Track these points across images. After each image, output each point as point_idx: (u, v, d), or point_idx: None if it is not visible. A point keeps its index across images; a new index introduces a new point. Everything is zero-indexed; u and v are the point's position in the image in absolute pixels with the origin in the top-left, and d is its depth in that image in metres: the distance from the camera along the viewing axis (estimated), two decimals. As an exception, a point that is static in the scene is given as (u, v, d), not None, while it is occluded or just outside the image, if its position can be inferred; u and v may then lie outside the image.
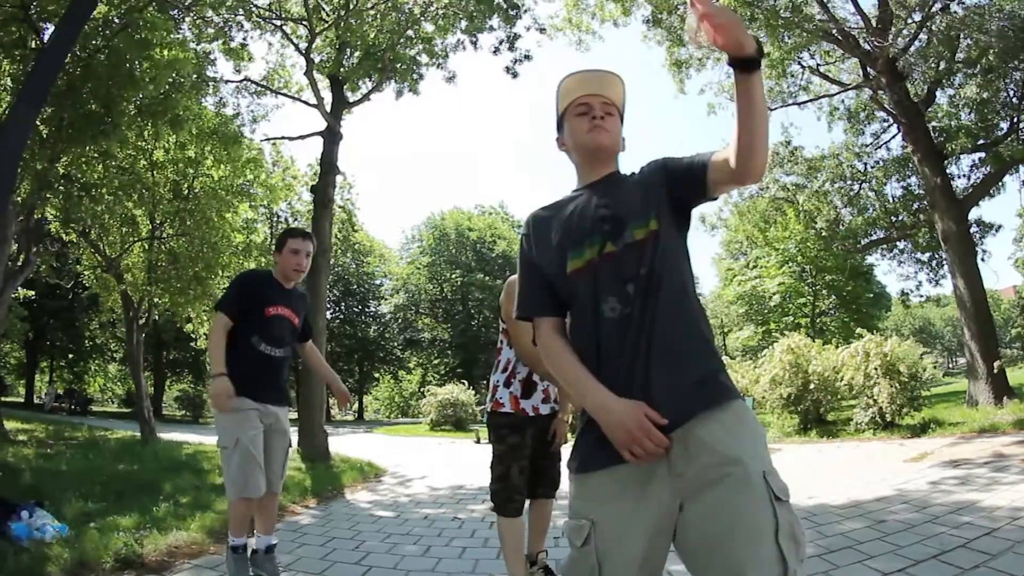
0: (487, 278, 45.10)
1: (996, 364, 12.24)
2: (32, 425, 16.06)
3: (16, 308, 15.24)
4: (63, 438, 13.25)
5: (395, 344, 48.46)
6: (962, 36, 13.11)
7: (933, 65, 13.74)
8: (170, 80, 8.81)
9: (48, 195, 8.86)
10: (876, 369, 11.02)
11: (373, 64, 12.72)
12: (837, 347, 12.90)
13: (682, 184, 1.75)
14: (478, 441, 17.62)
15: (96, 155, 9.25)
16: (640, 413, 1.52)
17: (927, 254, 19.12)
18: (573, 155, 1.98)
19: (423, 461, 12.40)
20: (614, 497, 1.61)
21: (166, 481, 7.11)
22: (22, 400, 37.42)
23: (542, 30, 15.04)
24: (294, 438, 4.47)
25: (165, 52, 8.58)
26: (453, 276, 46.34)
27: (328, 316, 43.49)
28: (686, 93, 17.84)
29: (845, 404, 12.86)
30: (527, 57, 14.49)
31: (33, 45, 8.13)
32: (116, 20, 8.57)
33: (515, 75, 14.58)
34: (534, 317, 1.86)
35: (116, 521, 4.72)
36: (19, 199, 8.40)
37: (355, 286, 46.13)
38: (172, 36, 8.91)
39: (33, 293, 15.21)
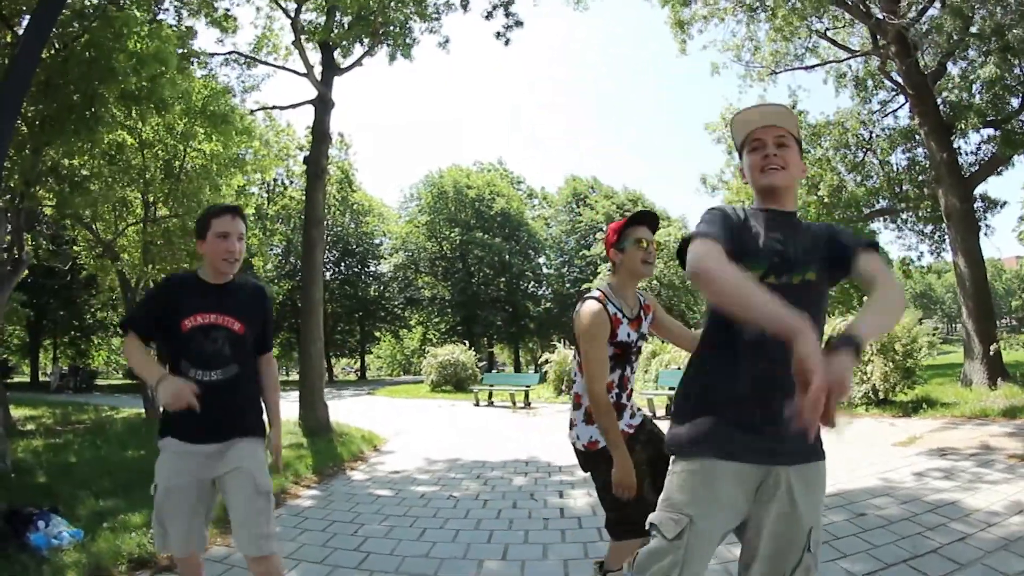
0: (486, 236, 45.06)
1: (992, 347, 12.29)
2: (39, 410, 16.32)
3: (15, 293, 15.35)
4: (70, 423, 13.48)
5: (395, 303, 48.74)
6: (976, 8, 12.68)
7: (945, 37, 13.40)
8: (152, 71, 8.66)
9: (36, 190, 8.87)
10: (870, 345, 10.88)
11: (364, 28, 12.33)
12: (834, 315, 12.71)
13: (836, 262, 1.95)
14: (477, 404, 17.93)
15: (81, 146, 9.09)
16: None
17: (930, 227, 18.99)
18: (753, 187, 2.10)
19: (423, 428, 12.64)
20: (719, 499, 1.84)
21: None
22: (28, 380, 38.08)
23: None
24: (294, 411, 3.72)
25: (141, 45, 8.41)
26: (452, 234, 46.28)
27: (328, 276, 43.81)
28: (687, 54, 17.47)
29: None
30: (518, 23, 14.16)
31: (8, 40, 7.99)
32: (90, 9, 8.42)
33: (507, 41, 14.25)
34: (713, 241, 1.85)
35: (128, 519, 4.90)
36: (6, 197, 8.46)
37: (354, 246, 46.07)
38: (148, 28, 8.72)
39: (28, 274, 15.26)
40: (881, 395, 10.97)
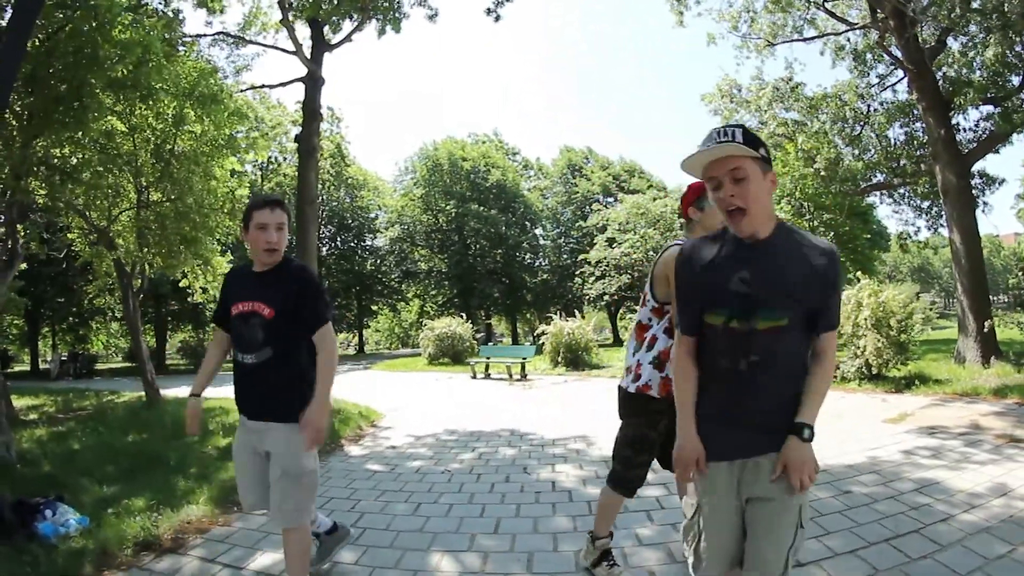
0: (482, 208, 44.91)
1: (987, 323, 12.34)
2: (41, 399, 16.42)
3: (12, 282, 15.39)
4: (72, 410, 13.58)
5: (392, 277, 48.80)
6: None
7: (945, 12, 13.14)
8: (138, 58, 8.61)
9: (27, 183, 8.88)
10: (866, 319, 10.97)
11: (353, 3, 12.31)
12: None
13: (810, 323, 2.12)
14: (474, 376, 18.08)
15: (71, 136, 9.08)
16: (693, 459, 2.19)
17: (927, 202, 18.94)
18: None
19: (419, 402, 12.77)
20: (718, 488, 2.18)
21: (172, 450, 7.49)
22: (28, 368, 38.25)
23: None
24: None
25: (125, 33, 8.36)
26: (448, 207, 46.07)
27: (324, 252, 43.92)
28: (685, 26, 17.32)
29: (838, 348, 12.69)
30: (509, -1, 14.05)
31: None
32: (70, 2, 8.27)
33: (497, 18, 14.09)
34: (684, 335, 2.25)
35: (131, 504, 5.06)
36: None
37: (350, 220, 46.01)
38: (130, 16, 8.66)
39: (24, 263, 15.28)
40: (874, 370, 11.00)
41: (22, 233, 11.15)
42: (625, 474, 3.42)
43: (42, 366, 36.80)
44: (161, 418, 10.62)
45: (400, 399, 13.36)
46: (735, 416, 2.12)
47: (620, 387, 3.41)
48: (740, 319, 2.03)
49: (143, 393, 13.80)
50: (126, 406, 13.47)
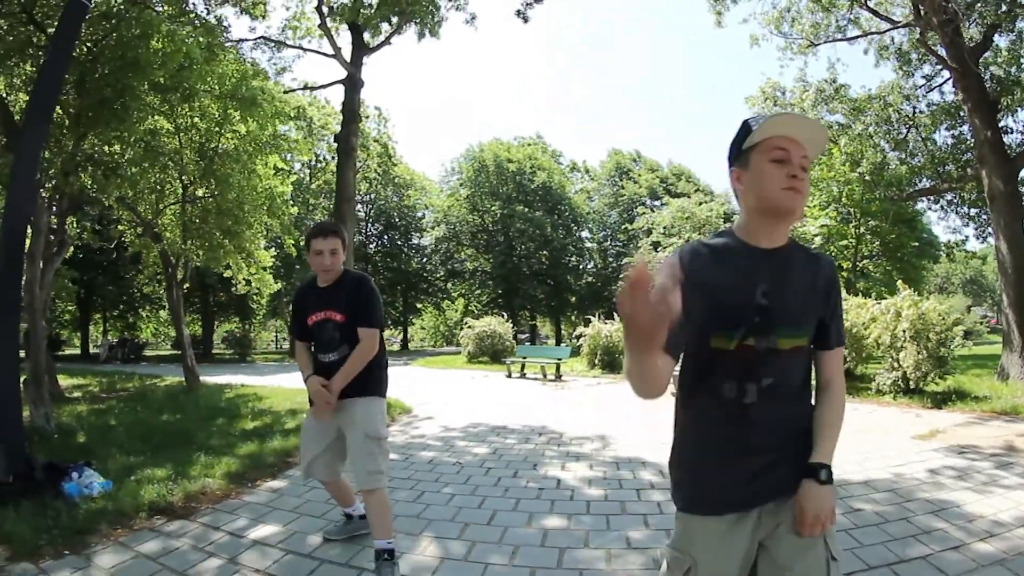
0: (527, 209, 45.15)
1: None
2: (87, 379, 17.28)
3: (64, 271, 16.10)
4: (115, 391, 14.31)
5: (437, 275, 49.43)
6: None
7: (992, 8, 12.60)
8: (180, 63, 9.04)
9: (76, 178, 9.37)
10: (904, 331, 10.48)
11: (391, 7, 12.62)
12: (878, 298, 12.12)
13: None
14: (509, 375, 18.26)
15: (116, 135, 9.57)
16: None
17: (974, 209, 18.11)
18: (749, 200, 1.79)
19: (450, 398, 12.88)
20: (716, 544, 1.78)
21: (201, 430, 7.99)
22: (78, 352, 39.94)
23: None
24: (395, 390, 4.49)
25: (164, 43, 8.80)
26: (493, 207, 46.51)
27: (371, 249, 44.78)
28: (723, 26, 16.91)
29: (874, 361, 12.19)
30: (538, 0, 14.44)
31: (41, 42, 8.47)
32: (117, 9, 8.82)
33: (526, 20, 14.37)
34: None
35: (152, 473, 5.51)
36: (50, 185, 9.00)
37: (397, 219, 46.82)
38: (168, 27, 9.08)
39: (77, 250, 15.89)
40: (911, 384, 10.50)
41: (72, 224, 11.73)
42: None
43: (92, 350, 38.28)
44: (197, 402, 11.19)
45: (432, 394, 13.54)
46: (742, 457, 1.77)
47: None
48: (757, 336, 1.71)
49: (183, 379, 14.38)
50: (166, 389, 14.13)
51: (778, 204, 1.71)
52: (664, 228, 38.15)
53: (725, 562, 1.78)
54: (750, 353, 1.71)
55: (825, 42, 16.48)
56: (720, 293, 1.71)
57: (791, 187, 1.68)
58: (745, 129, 1.78)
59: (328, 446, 3.78)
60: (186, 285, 14.94)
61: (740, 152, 1.80)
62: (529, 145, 51.05)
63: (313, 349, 3.78)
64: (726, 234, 1.85)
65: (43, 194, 8.75)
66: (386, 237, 47.45)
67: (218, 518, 4.64)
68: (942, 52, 13.59)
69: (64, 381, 15.09)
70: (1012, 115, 14.56)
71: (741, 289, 1.73)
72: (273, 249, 17.32)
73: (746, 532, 1.78)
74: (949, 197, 18.14)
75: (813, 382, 1.93)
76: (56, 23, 6.97)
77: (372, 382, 3.71)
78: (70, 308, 36.96)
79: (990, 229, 16.43)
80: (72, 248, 14.04)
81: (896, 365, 10.67)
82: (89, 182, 10.14)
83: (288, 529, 4.39)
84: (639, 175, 49.72)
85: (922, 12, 13.12)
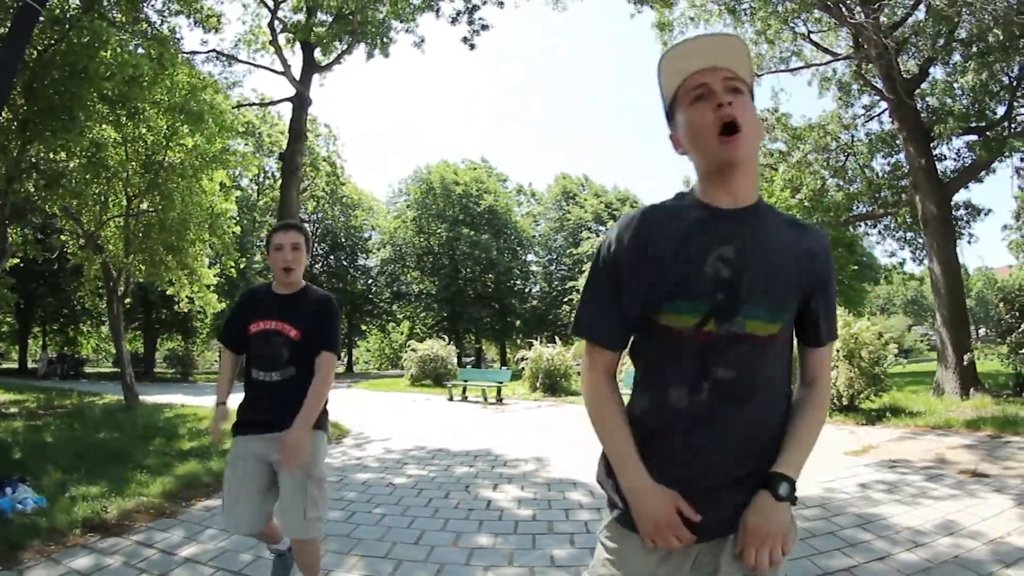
0: (473, 232, 45.28)
1: (966, 356, 12.16)
2: (24, 395, 16.68)
3: (3, 279, 15.69)
4: (52, 408, 13.79)
5: (383, 297, 49.03)
6: (962, 13, 12.29)
7: (929, 42, 13.26)
8: (128, 75, 8.86)
9: (19, 186, 9.27)
10: (837, 351, 10.66)
11: (344, 27, 12.69)
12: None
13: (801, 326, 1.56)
14: (451, 399, 18.27)
15: (62, 143, 9.37)
16: (672, 508, 1.41)
17: (910, 233, 18.82)
18: (694, 160, 1.50)
19: (390, 421, 12.83)
20: (651, 566, 1.49)
21: (138, 449, 7.89)
22: (16, 366, 38.52)
23: (500, 3, 15.02)
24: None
25: (113, 55, 8.70)
26: (439, 230, 46.46)
27: (316, 269, 44.24)
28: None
29: None
30: (484, 27, 14.63)
31: None
32: (66, 16, 8.67)
33: (472, 46, 14.74)
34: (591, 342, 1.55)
35: (87, 490, 5.48)
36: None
37: (343, 239, 46.43)
38: (117, 38, 9.08)
39: (19, 260, 15.56)
40: (845, 401, 10.81)
41: (14, 232, 11.51)
42: None
43: (31, 365, 37.03)
44: (135, 420, 10.88)
45: (372, 417, 13.48)
46: (695, 474, 1.45)
47: None
48: (718, 319, 1.40)
49: (123, 397, 14.12)
50: (105, 407, 13.68)
51: (717, 157, 1.42)
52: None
53: None
54: (708, 341, 1.41)
55: (769, 72, 17.08)
56: (671, 260, 1.41)
57: (723, 116, 1.38)
58: (659, 79, 1.52)
59: (260, 491, 3.14)
60: (127, 300, 14.60)
61: (667, 112, 1.55)
62: (476, 168, 51.31)
63: (246, 364, 3.21)
64: (684, 194, 1.55)
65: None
66: (332, 257, 46.94)
67: (151, 536, 4.63)
68: (879, 84, 14.24)
69: (1, 396, 14.68)
70: (947, 143, 15.18)
71: (697, 258, 1.41)
72: (217, 267, 17.12)
73: (681, 569, 1.50)
74: (886, 222, 18.94)
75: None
76: (8, 24, 6.93)
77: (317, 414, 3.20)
78: (8, 320, 35.79)
79: (925, 252, 17.27)
80: (13, 258, 13.75)
81: (830, 384, 10.84)
82: (33, 190, 10.00)
83: (220, 547, 4.38)
84: (585, 200, 50.60)
85: (862, 45, 13.69)
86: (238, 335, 3.24)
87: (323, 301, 3.25)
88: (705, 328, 1.39)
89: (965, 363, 12.21)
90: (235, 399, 3.18)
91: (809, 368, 1.59)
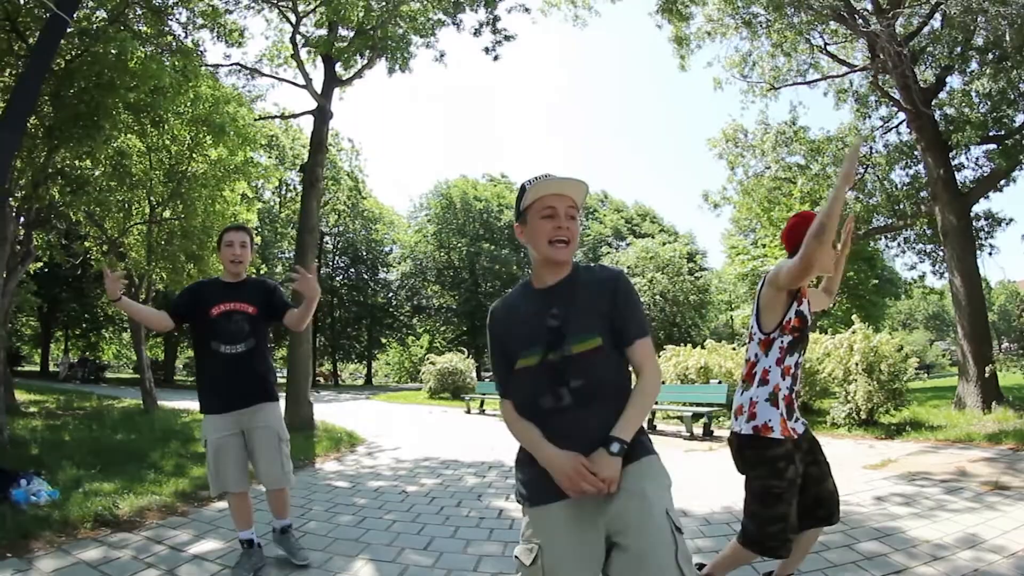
0: (494, 247, 45.53)
1: (988, 369, 11.89)
2: (44, 396, 17.05)
3: (27, 283, 15.94)
4: (71, 409, 14.06)
5: (403, 311, 49.30)
6: (978, 21, 12.07)
7: (945, 51, 13.09)
8: (152, 86, 9.06)
9: (44, 191, 9.44)
10: (856, 364, 10.64)
11: (364, 42, 12.80)
12: (833, 334, 12.28)
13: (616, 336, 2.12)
14: (468, 411, 18.26)
15: (87, 151, 9.60)
16: (578, 463, 1.95)
17: (930, 246, 18.40)
18: (532, 251, 2.19)
19: (406, 431, 12.88)
20: (559, 526, 2.02)
21: (154, 451, 8.00)
22: (38, 369, 39.13)
23: (527, 10, 15.02)
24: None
25: (138, 67, 8.84)
26: (460, 244, 46.79)
27: (337, 282, 44.62)
28: (687, 70, 17.48)
29: (831, 396, 12.15)
30: (508, 38, 14.65)
31: (22, 51, 8.59)
32: (94, 28, 8.94)
33: (496, 57, 14.79)
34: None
35: (100, 486, 5.61)
36: (19, 195, 9.07)
37: (364, 252, 46.77)
38: (144, 52, 9.20)
39: (42, 264, 15.75)
40: (863, 415, 10.65)
41: (39, 237, 11.71)
42: (758, 532, 2.95)
43: (52, 368, 37.52)
44: (152, 423, 11.05)
45: (389, 427, 13.55)
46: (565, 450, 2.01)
47: (732, 432, 3.08)
48: (555, 350, 2.06)
49: (141, 401, 14.26)
50: (123, 410, 13.91)
51: (549, 256, 2.13)
52: (628, 268, 38.76)
53: (566, 544, 2.00)
54: (553, 365, 2.05)
55: (786, 85, 16.92)
56: (517, 330, 2.15)
57: (558, 238, 2.10)
58: (522, 191, 2.17)
59: (239, 457, 3.90)
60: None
61: (520, 212, 2.20)
62: (496, 184, 51.61)
63: (213, 343, 3.82)
64: (523, 284, 2.28)
65: (12, 203, 8.78)
66: (352, 270, 47.37)
67: (161, 533, 4.70)
68: (896, 95, 14.06)
69: (21, 396, 14.86)
70: (966, 153, 14.94)
71: (533, 322, 2.11)
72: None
73: (585, 517, 2.00)
74: (906, 234, 18.58)
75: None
76: (38, 34, 7.08)
77: (273, 386, 4.03)
78: (32, 323, 36.33)
79: (945, 264, 16.78)
80: (38, 262, 13.96)
81: (848, 398, 10.81)
82: (58, 195, 10.17)
83: (229, 546, 4.42)
84: (604, 215, 50.64)
85: (879, 56, 13.49)
86: (186, 311, 3.92)
87: (264, 281, 4.14)
88: (548, 359, 2.06)
89: (987, 376, 11.92)
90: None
91: (634, 361, 2.15)
